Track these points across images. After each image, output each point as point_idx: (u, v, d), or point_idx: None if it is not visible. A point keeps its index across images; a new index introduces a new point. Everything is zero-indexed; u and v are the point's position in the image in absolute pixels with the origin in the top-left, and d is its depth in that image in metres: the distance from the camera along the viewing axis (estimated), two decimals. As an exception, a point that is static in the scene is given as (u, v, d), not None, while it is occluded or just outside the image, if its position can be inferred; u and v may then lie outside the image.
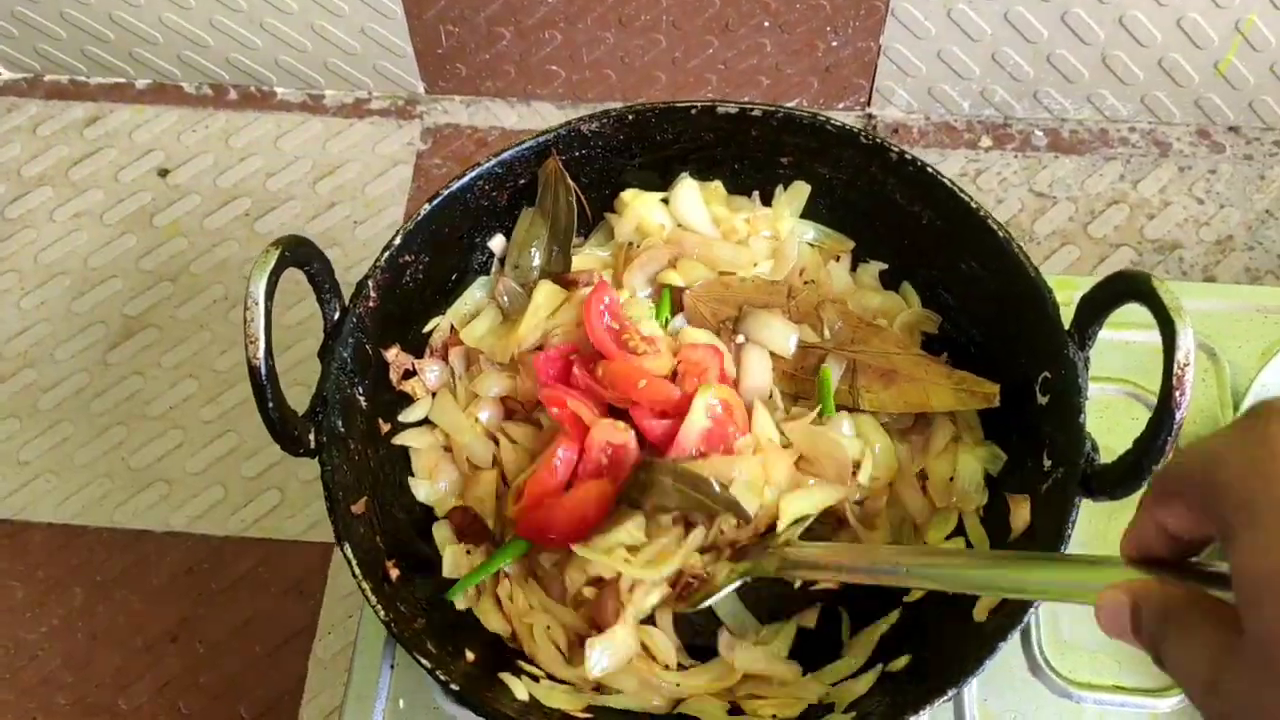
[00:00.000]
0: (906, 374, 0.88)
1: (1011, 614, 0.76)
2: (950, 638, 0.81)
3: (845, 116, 1.43)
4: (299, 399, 0.82)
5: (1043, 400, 0.82)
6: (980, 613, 0.79)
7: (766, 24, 1.33)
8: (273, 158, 1.43)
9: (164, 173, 1.42)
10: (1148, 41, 1.30)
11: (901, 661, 0.81)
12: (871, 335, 0.90)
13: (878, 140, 0.89)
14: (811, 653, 0.86)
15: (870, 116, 1.43)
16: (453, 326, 0.94)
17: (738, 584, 0.78)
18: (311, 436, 0.79)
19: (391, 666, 0.91)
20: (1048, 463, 0.80)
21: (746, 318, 0.90)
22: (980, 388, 0.86)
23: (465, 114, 1.46)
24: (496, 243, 0.96)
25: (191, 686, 1.15)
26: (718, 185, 0.97)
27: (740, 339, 0.89)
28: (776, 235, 0.95)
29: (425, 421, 0.92)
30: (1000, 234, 0.84)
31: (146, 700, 1.14)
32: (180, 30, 1.39)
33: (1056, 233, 1.35)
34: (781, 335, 0.88)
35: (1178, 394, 0.70)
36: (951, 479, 0.89)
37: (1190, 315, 0.72)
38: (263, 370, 0.73)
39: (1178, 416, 0.70)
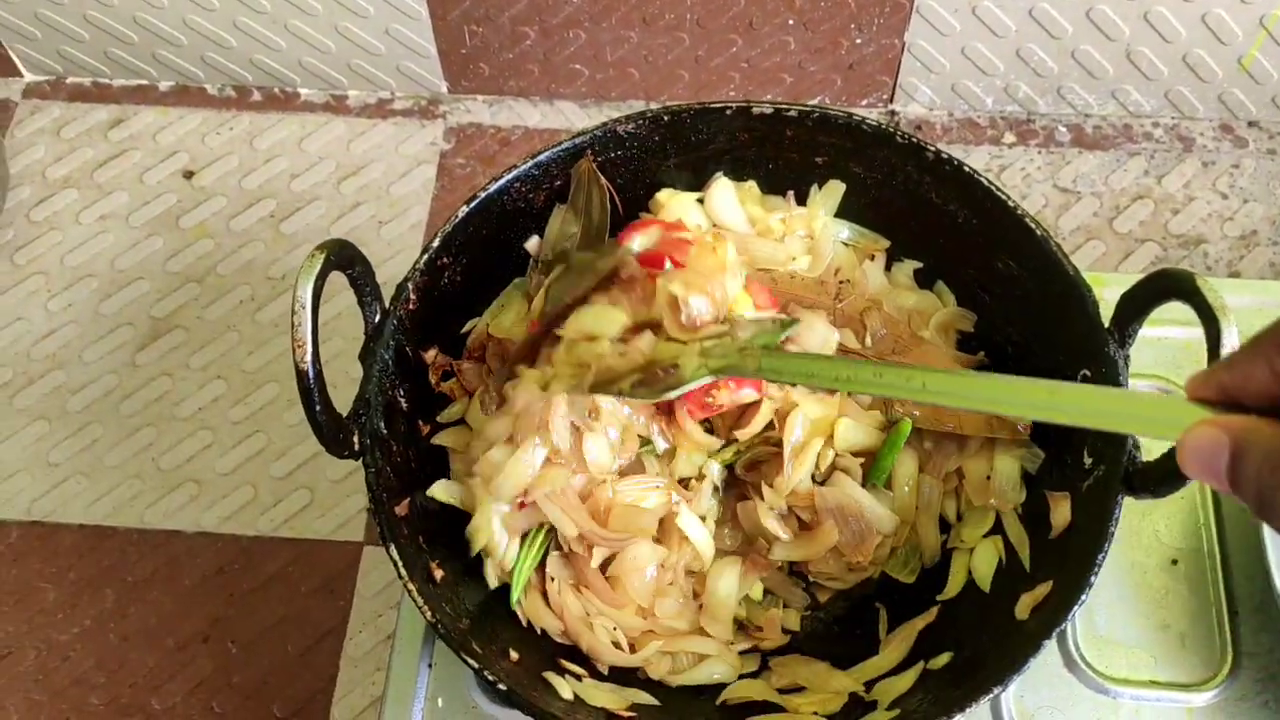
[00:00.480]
0: None
1: (1055, 611, 0.76)
2: (990, 635, 0.81)
3: (868, 113, 1.43)
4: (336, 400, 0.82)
5: (1082, 398, 0.82)
6: (1022, 610, 0.79)
7: (790, 22, 1.33)
8: (297, 159, 1.43)
9: (189, 174, 1.42)
10: (1172, 37, 1.30)
11: (942, 659, 0.81)
12: (913, 346, 0.90)
13: (914, 139, 0.89)
14: (852, 651, 0.86)
15: (893, 113, 1.44)
16: (489, 328, 0.94)
17: (707, 378, 0.74)
18: (355, 438, 0.80)
19: (430, 665, 0.91)
20: (1088, 460, 0.80)
21: (790, 312, 0.90)
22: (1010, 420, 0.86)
23: (488, 113, 1.46)
24: (532, 244, 0.96)
25: (224, 686, 1.15)
26: (752, 185, 0.97)
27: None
28: (811, 234, 0.95)
29: (462, 422, 0.92)
30: (1038, 232, 0.84)
31: (179, 700, 1.15)
32: (204, 32, 1.40)
33: (1081, 228, 1.35)
34: (821, 337, 0.88)
35: (1223, 392, 0.70)
36: (988, 478, 0.89)
37: (1220, 311, 0.72)
38: (310, 374, 0.74)
39: (1223, 414, 0.70)
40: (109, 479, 1.25)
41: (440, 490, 0.87)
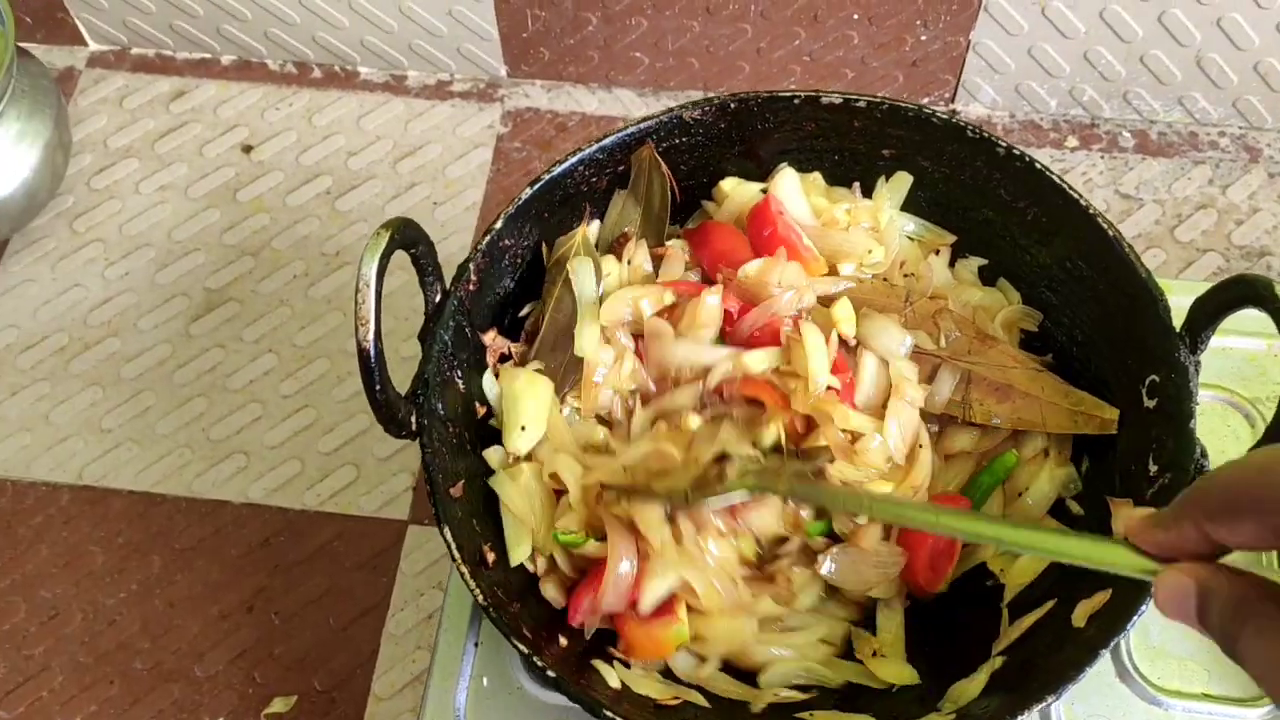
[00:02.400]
0: (1022, 390, 0.87)
1: (1113, 620, 0.75)
2: (1045, 642, 0.80)
3: (929, 112, 1.42)
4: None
5: (1150, 403, 0.81)
6: (1079, 618, 0.78)
7: (855, 16, 1.32)
8: (355, 137, 1.43)
9: (248, 149, 1.43)
10: (1244, 44, 1.28)
11: (996, 663, 0.80)
12: (988, 347, 0.89)
13: (984, 134, 0.88)
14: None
15: (954, 112, 1.42)
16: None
17: (741, 494, 0.79)
18: (413, 419, 0.80)
19: (476, 645, 0.92)
20: (1154, 467, 0.79)
21: (862, 320, 0.89)
22: (1099, 412, 0.85)
23: (546, 98, 1.46)
24: (593, 228, 0.96)
25: (266, 657, 1.16)
26: (817, 176, 0.96)
27: (853, 341, 0.89)
28: (876, 226, 0.94)
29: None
30: (1110, 233, 0.83)
31: (221, 669, 1.15)
32: (268, 7, 1.40)
33: (1142, 236, 1.33)
34: (895, 341, 0.88)
35: (1300, 403, 0.69)
36: (1021, 494, 0.88)
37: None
38: (372, 353, 0.74)
39: (1299, 425, 0.69)
40: (160, 447, 1.26)
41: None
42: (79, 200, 1.40)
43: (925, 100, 1.42)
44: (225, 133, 1.44)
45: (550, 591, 0.85)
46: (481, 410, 0.89)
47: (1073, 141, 1.40)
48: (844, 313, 0.88)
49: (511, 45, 1.42)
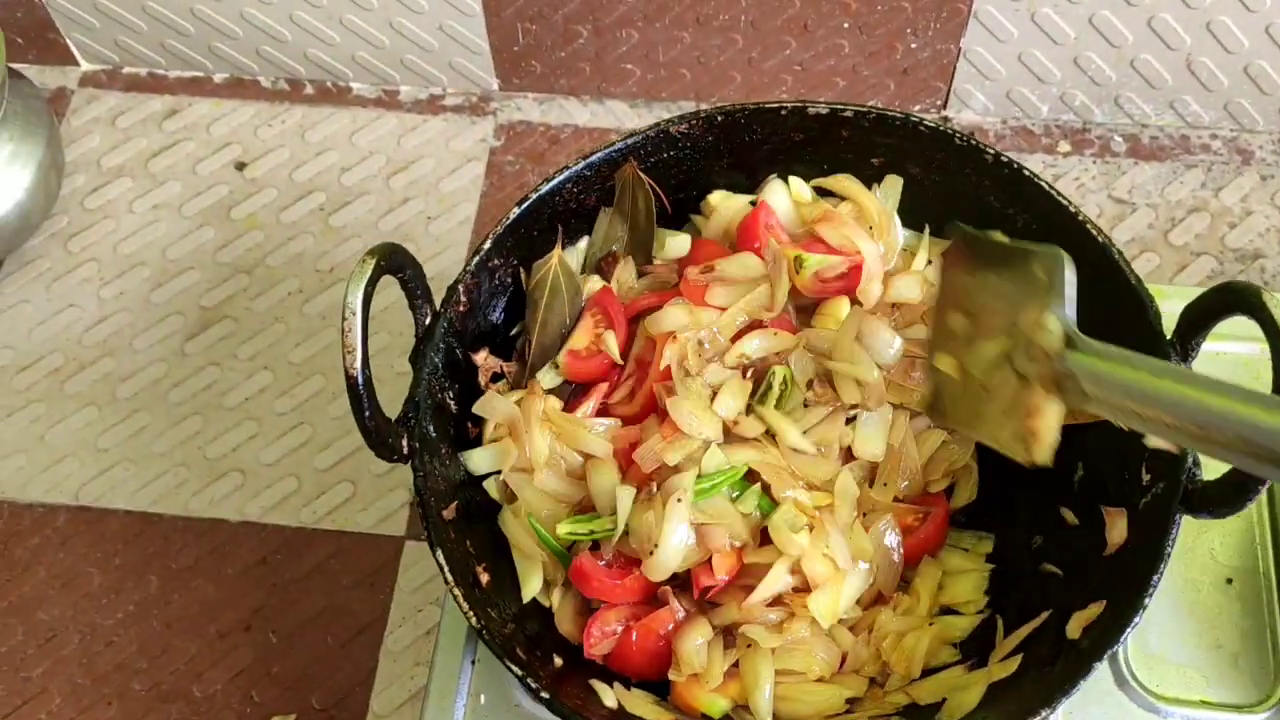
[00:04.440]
0: None
1: (1107, 632, 0.75)
2: (1040, 654, 0.80)
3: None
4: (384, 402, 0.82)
5: (1141, 412, 0.80)
6: (1074, 629, 0.78)
7: (846, 25, 1.32)
8: (348, 153, 1.43)
9: (241, 166, 1.43)
10: (1234, 47, 1.28)
11: (993, 675, 0.80)
12: None
13: (972, 141, 0.88)
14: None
15: (946, 119, 1.42)
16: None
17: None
18: (404, 442, 0.80)
19: (473, 662, 0.91)
20: (1147, 476, 0.79)
21: (850, 318, 0.89)
22: None
23: (538, 111, 1.46)
24: (583, 244, 0.96)
25: (264, 676, 1.16)
26: (806, 187, 0.96)
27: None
28: (873, 225, 0.94)
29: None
30: (1100, 239, 0.83)
31: (219, 689, 1.15)
32: (259, 25, 1.41)
33: (1135, 240, 1.33)
34: (885, 343, 0.88)
35: (1289, 411, 0.68)
36: None
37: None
38: (360, 380, 0.74)
39: (1289, 434, 0.68)
40: (156, 466, 1.26)
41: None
42: (73, 220, 1.40)
43: (917, 107, 1.42)
44: (218, 150, 1.44)
45: (565, 626, 0.85)
46: (475, 431, 0.89)
47: (1065, 147, 1.40)
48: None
49: (503, 58, 1.42)
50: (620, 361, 0.90)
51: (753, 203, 0.96)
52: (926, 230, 0.95)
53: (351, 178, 1.42)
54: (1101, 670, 0.89)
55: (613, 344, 0.90)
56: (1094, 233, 0.83)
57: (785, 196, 0.95)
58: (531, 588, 0.85)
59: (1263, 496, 0.94)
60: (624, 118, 1.45)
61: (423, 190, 1.41)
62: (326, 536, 1.22)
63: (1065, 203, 0.85)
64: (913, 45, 1.34)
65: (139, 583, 1.20)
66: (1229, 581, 0.92)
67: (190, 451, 1.26)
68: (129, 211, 1.41)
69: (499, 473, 0.87)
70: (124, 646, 1.17)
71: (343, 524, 1.22)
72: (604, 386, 0.91)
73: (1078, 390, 0.63)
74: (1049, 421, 0.67)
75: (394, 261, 0.79)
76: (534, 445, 0.85)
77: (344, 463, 1.25)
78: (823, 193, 0.96)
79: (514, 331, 0.93)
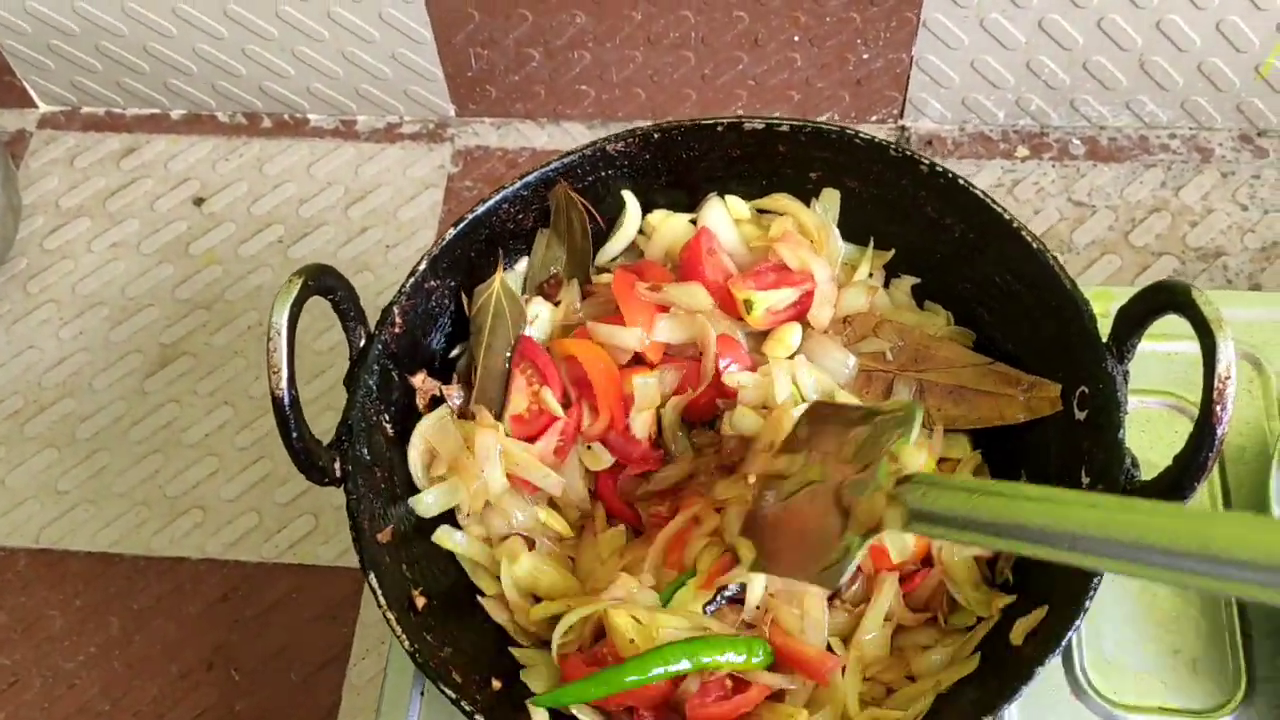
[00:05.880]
0: (974, 387, 0.86)
1: (1048, 639, 0.73)
2: (985, 660, 0.79)
3: (878, 129, 1.42)
4: (331, 425, 0.82)
5: (1080, 415, 0.80)
6: (1017, 636, 0.77)
7: (796, 38, 1.32)
8: (305, 184, 1.43)
9: (199, 201, 1.43)
10: (1186, 46, 1.27)
11: (941, 685, 0.79)
12: (935, 349, 0.88)
13: (907, 152, 0.88)
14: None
15: (903, 129, 1.42)
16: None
17: (864, 549, 0.68)
18: (337, 465, 0.79)
19: (421, 693, 0.90)
20: (1086, 479, 0.78)
21: (804, 342, 0.89)
22: (1046, 392, 0.84)
23: (495, 136, 1.45)
24: (522, 265, 0.95)
25: (227, 715, 1.15)
26: (742, 203, 0.96)
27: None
28: (812, 239, 0.93)
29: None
30: (1034, 245, 0.82)
31: (183, 729, 1.14)
32: (214, 60, 1.41)
33: (1096, 242, 1.33)
34: (838, 361, 0.87)
35: (1219, 409, 0.68)
36: None
37: (1235, 324, 0.71)
38: (286, 400, 0.73)
39: (1219, 431, 0.68)
40: (116, 506, 1.25)
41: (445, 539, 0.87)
42: (32, 262, 1.40)
43: (874, 118, 1.42)
44: (176, 186, 1.44)
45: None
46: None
47: (1023, 151, 1.39)
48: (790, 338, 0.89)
49: (458, 85, 1.42)
50: (562, 415, 0.89)
51: (693, 221, 0.95)
52: (871, 243, 0.95)
53: (310, 209, 1.42)
54: (1058, 679, 0.88)
55: (551, 400, 0.88)
56: (1029, 239, 0.83)
57: (725, 217, 0.95)
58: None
59: (1218, 500, 0.93)
60: (581, 139, 1.44)
61: (381, 219, 1.40)
62: (288, 571, 1.21)
63: (1000, 211, 0.84)
64: (864, 56, 1.33)
65: (100, 624, 1.19)
66: (1187, 588, 0.91)
67: (151, 490, 1.25)
68: (87, 251, 1.40)
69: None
70: (86, 689, 1.16)
71: (304, 557, 1.21)
72: (559, 424, 0.89)
73: (905, 513, 0.64)
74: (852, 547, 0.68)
75: (323, 283, 0.78)
76: (490, 483, 0.85)
77: (305, 496, 1.24)
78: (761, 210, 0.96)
79: (453, 353, 0.93)
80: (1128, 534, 0.51)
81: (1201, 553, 0.48)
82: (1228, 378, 0.68)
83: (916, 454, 0.69)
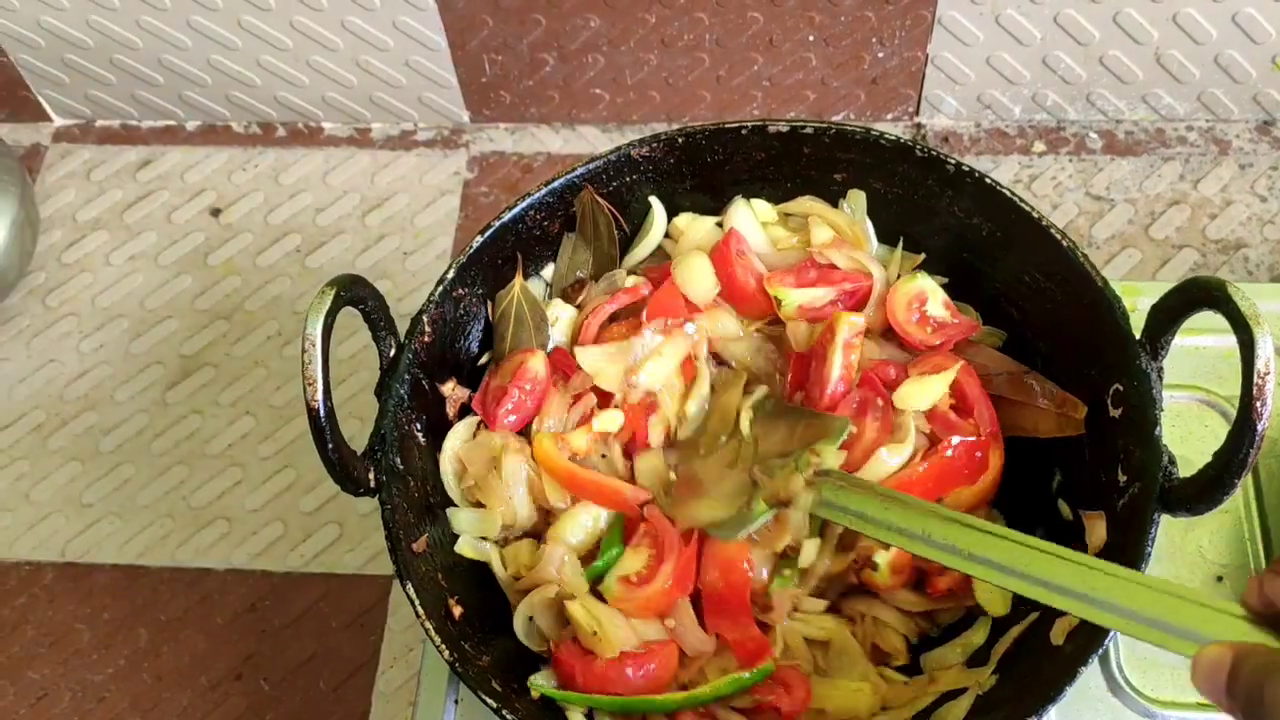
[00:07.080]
0: (1010, 397, 0.86)
1: (1090, 637, 0.73)
2: (1026, 661, 0.78)
3: (893, 127, 1.41)
4: (354, 433, 0.82)
5: (1115, 413, 0.79)
6: (1057, 635, 0.76)
7: (811, 38, 1.32)
8: (322, 193, 1.43)
9: (216, 212, 1.43)
10: (1202, 38, 1.27)
11: (985, 685, 0.79)
12: (973, 354, 0.88)
13: (933, 153, 0.87)
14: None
15: (919, 126, 1.41)
16: (508, 357, 0.93)
17: (768, 515, 0.80)
18: (371, 475, 0.79)
19: (456, 702, 0.90)
20: (1123, 478, 0.78)
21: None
22: (1076, 412, 0.83)
23: (510, 141, 1.45)
24: (549, 271, 0.95)
25: (258, 725, 1.15)
26: (770, 208, 0.96)
27: None
28: (850, 240, 0.93)
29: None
30: (1064, 243, 0.82)
31: (213, 740, 1.14)
32: (228, 71, 1.41)
33: (1116, 236, 1.32)
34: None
35: (1258, 404, 0.68)
36: None
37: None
38: (321, 412, 0.73)
39: (1259, 428, 0.68)
40: (141, 518, 1.25)
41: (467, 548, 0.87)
42: (50, 276, 1.40)
43: (889, 116, 1.41)
44: (193, 198, 1.44)
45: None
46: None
47: (1040, 146, 1.39)
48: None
49: (471, 91, 1.42)
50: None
51: (719, 224, 0.95)
52: (900, 244, 0.95)
53: (326, 218, 1.42)
54: (1094, 676, 0.88)
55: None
56: (1058, 236, 0.83)
57: (751, 219, 0.95)
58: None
59: (1249, 492, 0.93)
60: (596, 143, 1.44)
61: (398, 226, 1.40)
62: (315, 580, 1.21)
63: (1028, 209, 0.84)
64: (879, 54, 1.33)
65: (128, 636, 1.19)
66: (1219, 579, 0.91)
67: (175, 501, 1.26)
68: (106, 264, 1.41)
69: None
70: (115, 702, 1.16)
71: (330, 566, 1.21)
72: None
73: (817, 498, 0.78)
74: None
75: (354, 293, 0.78)
76: (516, 510, 0.86)
77: (330, 504, 1.24)
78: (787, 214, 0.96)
79: (482, 361, 0.93)
80: (1001, 557, 0.67)
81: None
82: (1267, 373, 0.68)
83: (837, 456, 0.81)
